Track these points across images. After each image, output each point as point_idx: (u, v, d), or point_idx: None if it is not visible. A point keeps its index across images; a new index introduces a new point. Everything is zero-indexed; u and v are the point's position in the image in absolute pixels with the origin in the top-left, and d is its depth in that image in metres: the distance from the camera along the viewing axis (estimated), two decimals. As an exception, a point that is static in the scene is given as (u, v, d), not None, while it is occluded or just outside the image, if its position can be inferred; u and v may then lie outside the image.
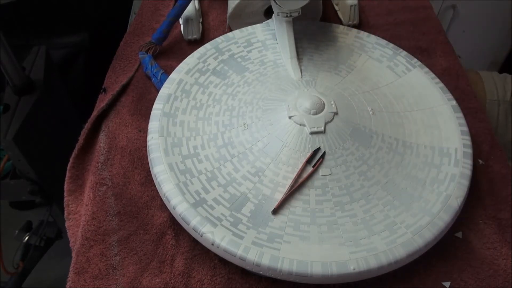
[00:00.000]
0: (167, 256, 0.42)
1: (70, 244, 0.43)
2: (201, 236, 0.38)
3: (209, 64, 0.53)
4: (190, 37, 0.62)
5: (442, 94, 0.51)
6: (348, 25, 0.63)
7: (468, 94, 0.56)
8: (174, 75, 0.51)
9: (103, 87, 0.56)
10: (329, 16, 0.66)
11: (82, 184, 0.48)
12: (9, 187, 0.78)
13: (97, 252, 0.41)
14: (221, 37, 0.56)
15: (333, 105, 0.46)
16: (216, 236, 0.38)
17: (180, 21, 0.63)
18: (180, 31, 0.63)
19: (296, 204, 0.42)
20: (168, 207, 0.42)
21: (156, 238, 0.43)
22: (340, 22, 0.65)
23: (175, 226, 0.43)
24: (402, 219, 0.41)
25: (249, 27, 0.57)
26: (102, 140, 0.50)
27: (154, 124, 0.46)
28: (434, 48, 0.62)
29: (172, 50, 0.62)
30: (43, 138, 0.78)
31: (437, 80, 0.53)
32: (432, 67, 0.56)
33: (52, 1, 0.99)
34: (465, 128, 0.48)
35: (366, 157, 0.45)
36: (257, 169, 0.44)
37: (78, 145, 0.50)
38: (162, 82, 0.52)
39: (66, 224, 0.45)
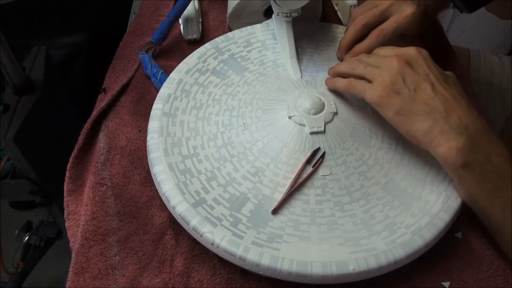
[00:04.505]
0: (167, 256, 0.42)
1: (70, 244, 0.43)
2: (201, 236, 0.38)
3: (209, 64, 0.53)
4: (190, 37, 0.62)
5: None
6: (348, 25, 0.63)
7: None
8: (174, 75, 0.51)
9: (103, 87, 0.56)
10: (329, 16, 0.66)
11: (82, 184, 0.48)
12: (9, 187, 0.78)
13: (96, 252, 0.41)
14: (221, 37, 0.56)
15: (333, 105, 0.46)
16: (216, 236, 0.38)
17: (180, 21, 0.63)
18: (180, 31, 0.63)
19: (296, 204, 0.42)
20: (168, 207, 0.42)
21: (156, 238, 0.43)
22: (340, 22, 0.65)
23: (175, 226, 0.43)
24: (402, 219, 0.41)
25: (249, 27, 0.57)
26: (101, 140, 0.50)
27: (154, 124, 0.46)
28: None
29: (172, 50, 0.62)
30: (43, 138, 0.78)
31: (437, 80, 0.52)
32: (432, 67, 0.56)
33: (52, 1, 0.99)
34: (465, 128, 0.48)
35: (366, 157, 0.45)
36: (257, 169, 0.44)
37: (77, 145, 0.50)
38: (162, 82, 0.52)
39: (66, 224, 0.45)
